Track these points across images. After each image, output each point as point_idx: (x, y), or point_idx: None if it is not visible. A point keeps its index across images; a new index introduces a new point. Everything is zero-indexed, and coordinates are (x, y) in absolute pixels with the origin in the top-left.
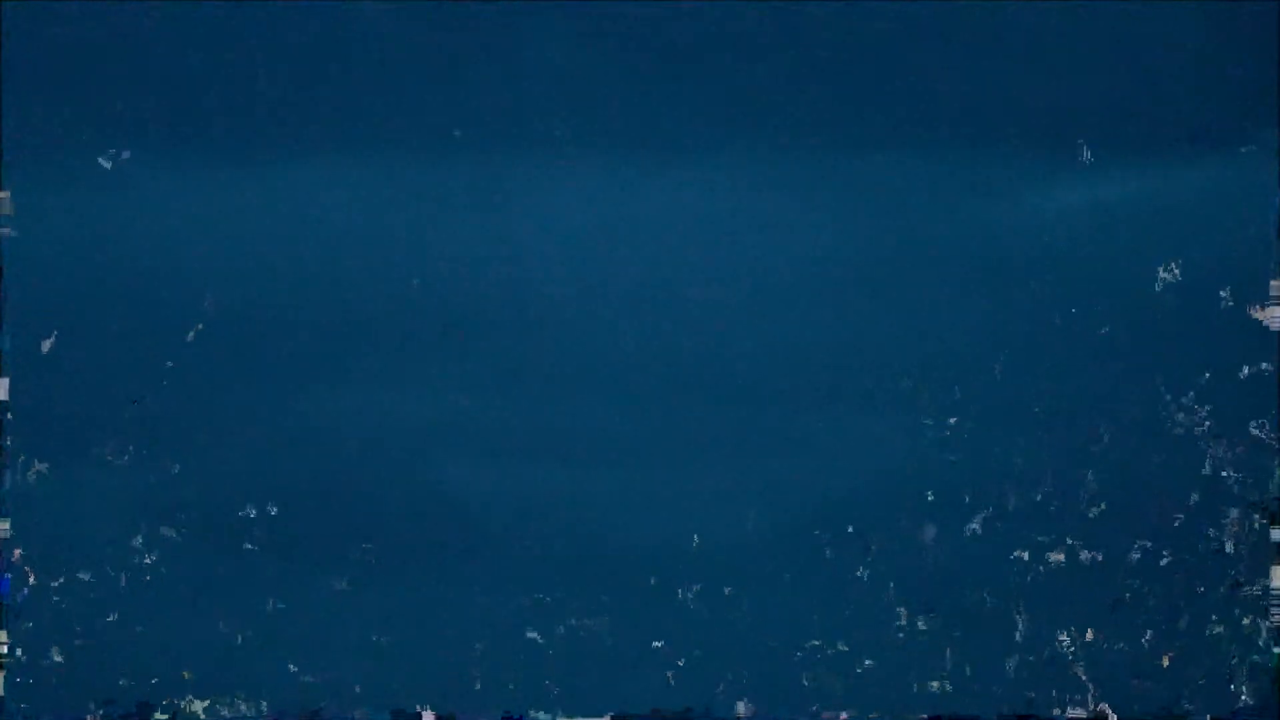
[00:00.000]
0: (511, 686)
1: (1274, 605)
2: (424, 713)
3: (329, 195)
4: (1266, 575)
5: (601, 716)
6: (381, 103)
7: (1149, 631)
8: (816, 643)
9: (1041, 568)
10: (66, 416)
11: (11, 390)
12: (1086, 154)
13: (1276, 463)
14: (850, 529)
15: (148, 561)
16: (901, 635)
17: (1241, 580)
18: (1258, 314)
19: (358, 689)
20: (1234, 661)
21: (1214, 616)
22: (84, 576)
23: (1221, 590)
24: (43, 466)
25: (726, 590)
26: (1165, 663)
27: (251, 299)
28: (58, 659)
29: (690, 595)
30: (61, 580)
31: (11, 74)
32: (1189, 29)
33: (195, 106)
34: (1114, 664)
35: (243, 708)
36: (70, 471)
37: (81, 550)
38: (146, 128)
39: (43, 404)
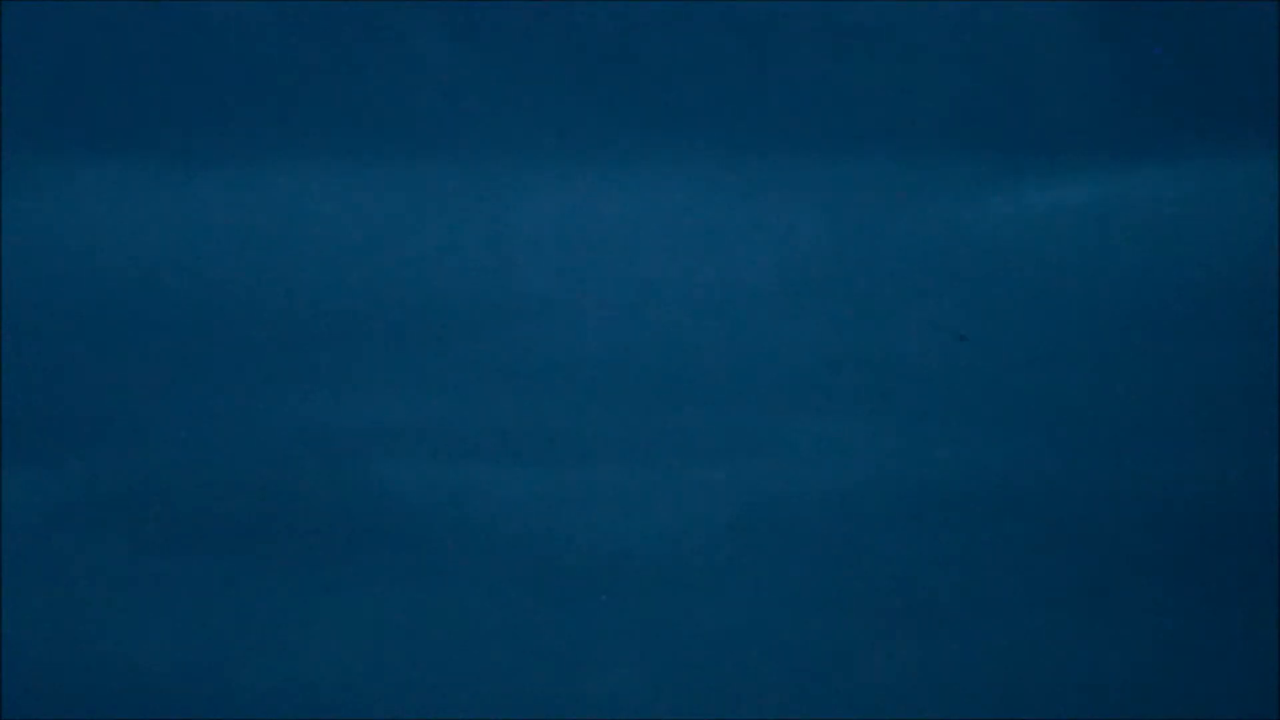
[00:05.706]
0: (472, 689)
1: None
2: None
3: (291, 202)
4: (1268, 575)
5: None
6: (356, 108)
7: (1143, 633)
8: (785, 644)
9: (1021, 568)
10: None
11: None
12: (1080, 155)
13: (1276, 461)
14: (821, 531)
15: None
16: (876, 636)
17: (1243, 580)
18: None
19: (308, 692)
20: (1235, 661)
21: (1215, 617)
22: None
23: (1222, 591)
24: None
25: (690, 593)
26: (1163, 663)
27: (203, 303)
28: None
29: (651, 599)
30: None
31: (10, 74)
32: (1187, 29)
33: (189, 109)
34: (1107, 665)
35: (193, 709)
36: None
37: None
38: (137, 131)
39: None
